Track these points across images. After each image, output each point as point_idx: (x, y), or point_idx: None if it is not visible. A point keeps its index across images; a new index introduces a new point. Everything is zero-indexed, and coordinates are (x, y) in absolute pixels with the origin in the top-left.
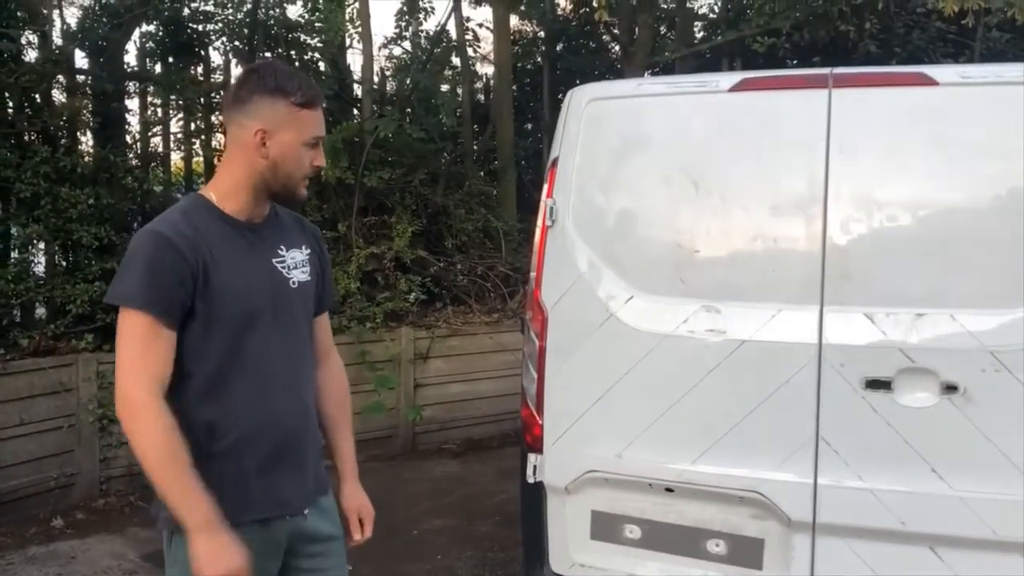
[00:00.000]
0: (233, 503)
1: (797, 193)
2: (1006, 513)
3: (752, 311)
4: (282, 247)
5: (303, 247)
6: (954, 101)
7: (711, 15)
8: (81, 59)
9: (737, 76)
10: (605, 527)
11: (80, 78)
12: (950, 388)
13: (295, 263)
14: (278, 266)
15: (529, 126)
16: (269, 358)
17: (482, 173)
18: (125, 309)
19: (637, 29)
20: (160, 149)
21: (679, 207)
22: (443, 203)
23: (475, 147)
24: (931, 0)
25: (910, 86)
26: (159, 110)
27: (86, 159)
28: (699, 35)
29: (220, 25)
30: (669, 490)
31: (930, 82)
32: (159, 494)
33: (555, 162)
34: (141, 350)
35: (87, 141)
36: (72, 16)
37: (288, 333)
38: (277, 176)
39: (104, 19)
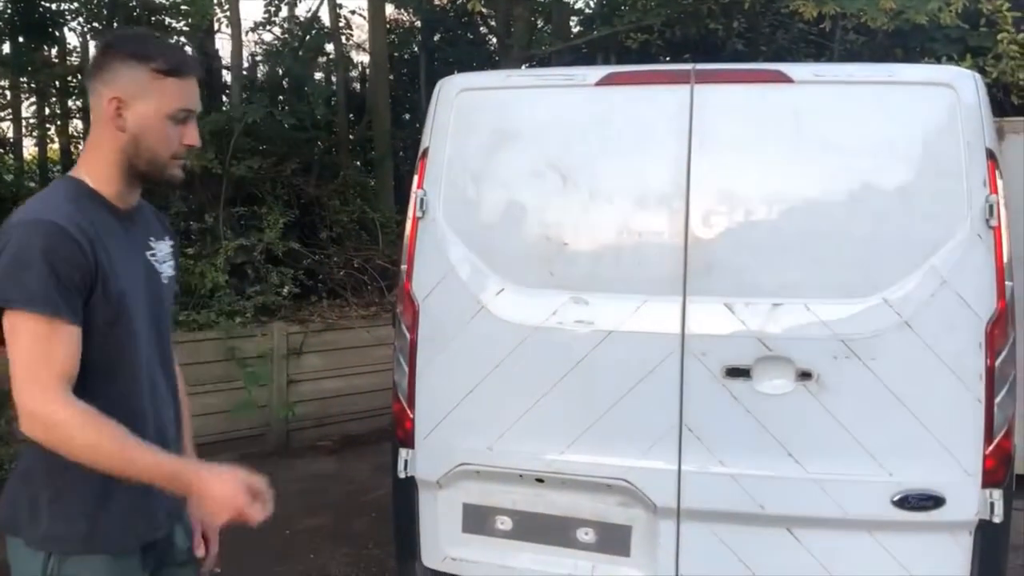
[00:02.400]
0: (115, 526)
1: (661, 187)
2: (855, 493)
3: (618, 302)
4: (152, 238)
5: (166, 238)
6: (808, 98)
7: (587, 10)
8: None
9: (603, 70)
10: (477, 520)
11: None
12: (805, 375)
13: (163, 256)
14: (151, 259)
15: (407, 116)
16: (150, 362)
17: (358, 163)
18: (18, 310)
19: (513, 22)
20: (10, 135)
21: (548, 200)
22: (316, 194)
23: (351, 137)
24: (793, 3)
25: (768, 83)
26: (7, 93)
27: None
28: (576, 30)
29: (76, 5)
30: (540, 480)
31: (786, 79)
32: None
33: (425, 152)
34: (42, 354)
35: None
36: None
37: (161, 334)
38: (140, 153)
39: None
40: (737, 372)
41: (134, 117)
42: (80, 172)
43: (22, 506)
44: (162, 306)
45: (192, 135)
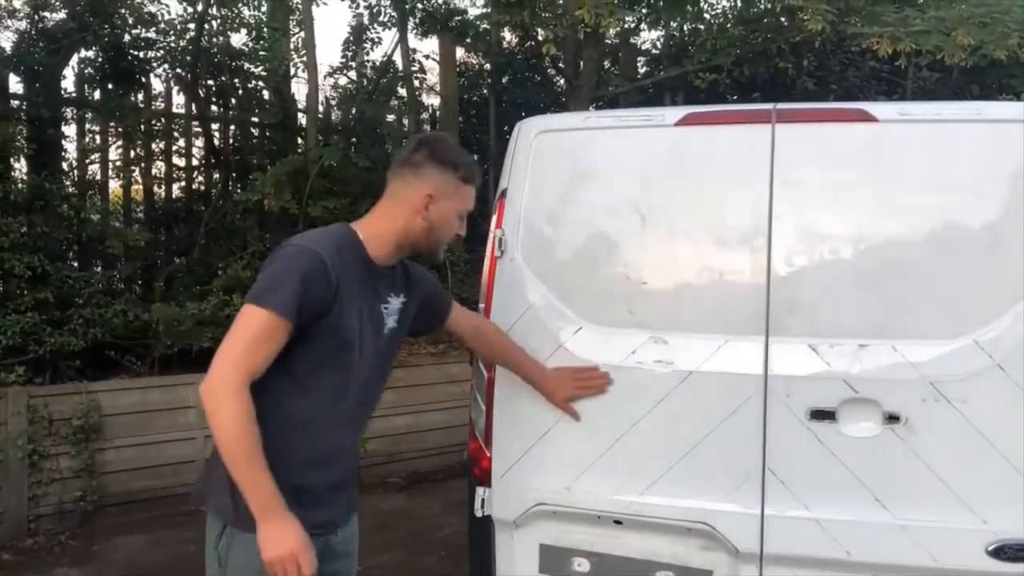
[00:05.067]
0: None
1: (742, 226)
2: (947, 542)
3: (699, 342)
4: (391, 294)
5: (401, 295)
6: (893, 137)
7: (654, 51)
8: (16, 84)
9: (683, 110)
10: (554, 561)
11: (14, 103)
12: (892, 418)
13: (393, 310)
14: (382, 309)
15: (476, 157)
16: (349, 390)
17: None
18: (260, 307)
19: (582, 63)
20: (98, 177)
21: (627, 239)
22: None
23: None
24: (866, 41)
25: (851, 122)
26: (97, 137)
27: (20, 186)
28: (642, 70)
29: (162, 52)
30: (618, 522)
31: (870, 118)
32: (232, 478)
33: (503, 193)
34: (250, 344)
35: (21, 168)
36: (6, 40)
37: (368, 369)
38: (430, 238)
39: (40, 43)
40: (822, 414)
41: (436, 211)
42: (358, 226)
43: (211, 481)
44: (380, 351)
45: (463, 228)
